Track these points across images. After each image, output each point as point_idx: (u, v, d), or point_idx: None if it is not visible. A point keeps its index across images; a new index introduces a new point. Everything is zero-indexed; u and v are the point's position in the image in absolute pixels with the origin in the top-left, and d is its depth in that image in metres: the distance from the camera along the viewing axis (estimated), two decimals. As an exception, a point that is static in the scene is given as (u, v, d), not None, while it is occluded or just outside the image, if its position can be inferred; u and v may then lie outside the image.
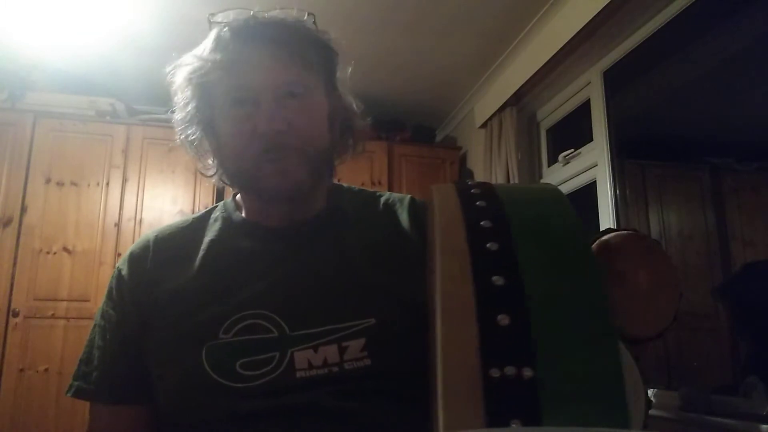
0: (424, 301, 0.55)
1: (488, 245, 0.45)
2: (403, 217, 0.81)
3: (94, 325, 0.78)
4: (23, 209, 2.80)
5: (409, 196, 0.85)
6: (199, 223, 0.82)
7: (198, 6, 2.41)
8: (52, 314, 2.74)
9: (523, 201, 0.52)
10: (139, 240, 0.81)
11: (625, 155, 2.31)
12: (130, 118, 3.09)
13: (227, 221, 0.81)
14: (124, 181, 2.95)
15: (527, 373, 0.39)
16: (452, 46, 2.75)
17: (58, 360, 2.70)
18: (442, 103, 3.39)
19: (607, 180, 2.29)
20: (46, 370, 2.68)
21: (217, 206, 0.85)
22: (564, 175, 2.63)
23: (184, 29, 2.55)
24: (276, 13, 0.75)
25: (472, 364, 0.39)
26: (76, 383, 0.75)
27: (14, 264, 2.74)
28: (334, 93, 0.79)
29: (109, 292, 0.78)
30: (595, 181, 2.38)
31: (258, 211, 0.79)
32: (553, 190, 0.54)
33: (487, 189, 0.51)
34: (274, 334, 0.68)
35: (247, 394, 0.65)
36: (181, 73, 0.75)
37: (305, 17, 0.77)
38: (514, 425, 0.37)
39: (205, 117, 0.76)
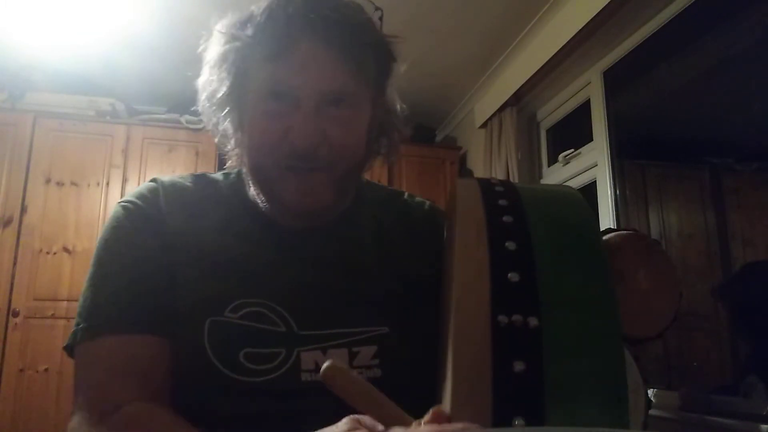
0: (441, 312, 0.55)
1: (504, 218, 0.49)
2: (421, 223, 0.79)
3: (96, 265, 0.67)
4: (23, 209, 2.80)
5: (428, 201, 0.83)
6: (209, 188, 0.74)
7: (198, 6, 2.41)
8: (52, 314, 2.74)
9: (539, 188, 0.60)
10: (142, 185, 0.72)
11: (625, 155, 2.31)
12: (130, 118, 3.08)
13: (240, 198, 0.73)
14: (124, 181, 2.94)
15: (533, 321, 0.42)
16: (452, 46, 2.75)
17: (58, 360, 2.69)
18: (442, 103, 3.39)
19: (607, 180, 2.29)
20: (46, 370, 2.68)
21: (230, 174, 0.76)
22: (564, 175, 2.63)
23: (184, 29, 2.54)
24: None
25: (483, 311, 0.43)
26: (82, 325, 0.63)
27: (14, 264, 2.74)
28: (379, 99, 0.72)
29: (117, 225, 0.68)
30: (595, 181, 2.38)
31: (274, 208, 0.71)
32: (569, 189, 0.58)
33: (505, 181, 0.56)
34: (281, 329, 0.64)
35: (248, 390, 0.61)
36: (218, 43, 0.67)
37: (372, 9, 0.70)
38: (517, 366, 0.40)
39: (235, 97, 0.68)
